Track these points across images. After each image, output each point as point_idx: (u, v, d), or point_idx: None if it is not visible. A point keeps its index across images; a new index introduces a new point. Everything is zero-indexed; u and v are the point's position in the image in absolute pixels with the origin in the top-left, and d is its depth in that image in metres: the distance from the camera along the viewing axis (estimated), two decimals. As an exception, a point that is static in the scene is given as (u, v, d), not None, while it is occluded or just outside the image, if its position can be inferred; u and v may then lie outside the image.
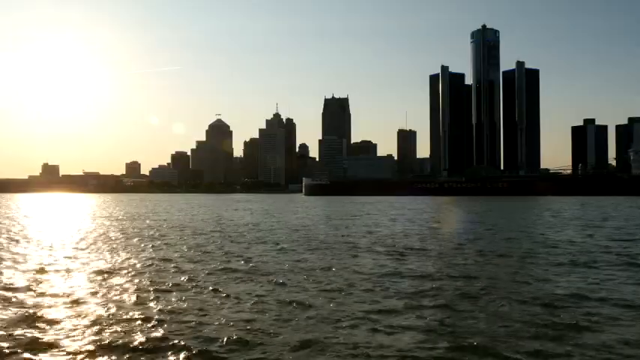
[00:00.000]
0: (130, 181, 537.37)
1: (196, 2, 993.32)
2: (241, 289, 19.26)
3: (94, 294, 18.34)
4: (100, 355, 11.94)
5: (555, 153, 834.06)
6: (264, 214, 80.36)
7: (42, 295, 18.19)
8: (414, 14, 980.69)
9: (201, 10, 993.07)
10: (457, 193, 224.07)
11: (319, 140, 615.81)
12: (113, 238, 40.23)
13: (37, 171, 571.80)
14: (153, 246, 33.99)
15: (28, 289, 19.26)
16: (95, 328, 13.94)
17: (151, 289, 19.21)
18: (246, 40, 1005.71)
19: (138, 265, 25.16)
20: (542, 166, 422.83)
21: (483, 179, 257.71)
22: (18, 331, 13.70)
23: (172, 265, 25.14)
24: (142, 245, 34.39)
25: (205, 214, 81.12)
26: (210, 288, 19.32)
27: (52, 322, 14.51)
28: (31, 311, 15.73)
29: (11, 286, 19.90)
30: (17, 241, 37.23)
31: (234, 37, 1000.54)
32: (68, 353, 12.06)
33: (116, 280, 21.04)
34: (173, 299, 17.52)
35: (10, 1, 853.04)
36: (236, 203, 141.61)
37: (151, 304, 16.68)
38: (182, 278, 21.48)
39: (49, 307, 16.34)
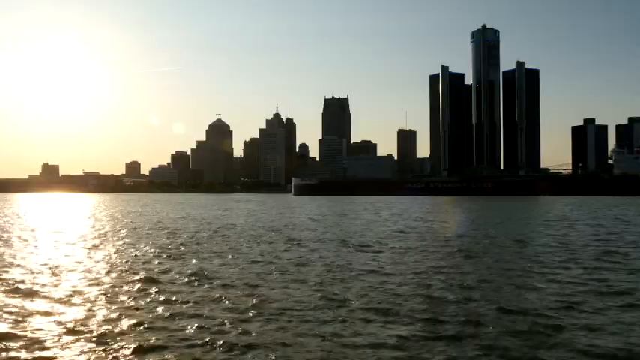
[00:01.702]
0: (130, 181, 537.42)
1: (196, 2, 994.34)
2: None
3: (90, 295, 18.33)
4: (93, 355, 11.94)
5: (555, 153, 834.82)
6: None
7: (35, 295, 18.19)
8: (414, 14, 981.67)
9: (201, 10, 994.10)
10: (442, 193, 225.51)
11: (319, 140, 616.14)
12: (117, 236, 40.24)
13: (37, 171, 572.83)
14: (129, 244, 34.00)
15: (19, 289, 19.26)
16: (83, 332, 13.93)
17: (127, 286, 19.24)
18: (246, 40, 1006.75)
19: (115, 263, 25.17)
20: (543, 166, 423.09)
21: (468, 179, 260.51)
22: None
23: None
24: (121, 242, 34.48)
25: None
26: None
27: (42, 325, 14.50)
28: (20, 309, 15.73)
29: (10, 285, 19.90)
30: (25, 240, 37.21)
31: (234, 37, 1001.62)
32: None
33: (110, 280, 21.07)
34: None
35: (10, 1, 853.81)
36: (233, 204, 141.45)
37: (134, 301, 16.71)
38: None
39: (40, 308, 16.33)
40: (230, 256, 28.42)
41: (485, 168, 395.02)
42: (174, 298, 17.65)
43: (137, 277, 21.68)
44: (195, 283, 20.40)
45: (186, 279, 21.33)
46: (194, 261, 26.75)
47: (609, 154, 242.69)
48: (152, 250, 31.84)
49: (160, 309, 16.14)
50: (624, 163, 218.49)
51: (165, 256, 28.90)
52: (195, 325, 14.31)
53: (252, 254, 29.46)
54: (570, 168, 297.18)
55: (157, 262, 26.64)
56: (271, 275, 22.14)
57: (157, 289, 19.13)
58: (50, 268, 24.37)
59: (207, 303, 17.00)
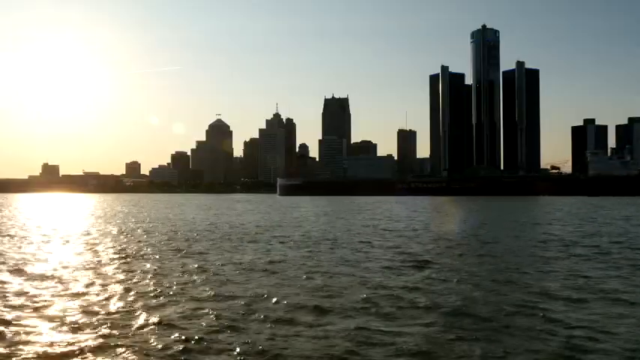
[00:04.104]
0: (130, 181, 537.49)
1: (196, 2, 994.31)
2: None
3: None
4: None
5: (555, 153, 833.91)
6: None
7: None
8: (414, 14, 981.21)
9: (201, 10, 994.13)
10: (424, 193, 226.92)
11: (319, 140, 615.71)
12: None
13: (37, 171, 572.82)
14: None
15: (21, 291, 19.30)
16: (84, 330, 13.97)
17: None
18: (246, 40, 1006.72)
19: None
20: (543, 166, 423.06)
21: (449, 180, 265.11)
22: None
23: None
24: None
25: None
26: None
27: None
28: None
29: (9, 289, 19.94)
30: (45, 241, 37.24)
31: (234, 37, 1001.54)
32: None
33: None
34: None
35: (10, 1, 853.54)
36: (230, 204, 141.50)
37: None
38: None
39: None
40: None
41: (484, 168, 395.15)
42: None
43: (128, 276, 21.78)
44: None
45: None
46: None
47: (586, 154, 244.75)
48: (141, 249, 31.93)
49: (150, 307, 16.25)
50: (598, 163, 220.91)
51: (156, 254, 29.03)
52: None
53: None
54: (548, 168, 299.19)
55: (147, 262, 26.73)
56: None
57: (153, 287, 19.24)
58: (52, 266, 24.44)
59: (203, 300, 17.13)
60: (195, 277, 21.41)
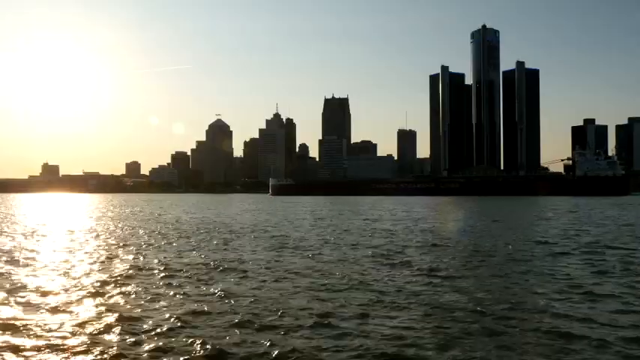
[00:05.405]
0: (130, 181, 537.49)
1: (197, 2, 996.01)
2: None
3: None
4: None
5: (555, 153, 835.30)
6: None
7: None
8: (414, 14, 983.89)
9: (201, 9, 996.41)
10: (412, 193, 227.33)
11: (319, 140, 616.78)
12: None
13: (37, 171, 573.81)
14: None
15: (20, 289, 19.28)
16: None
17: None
18: (246, 40, 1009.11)
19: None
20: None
21: (437, 180, 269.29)
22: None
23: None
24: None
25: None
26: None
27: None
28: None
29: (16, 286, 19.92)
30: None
31: (234, 37, 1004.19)
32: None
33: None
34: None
35: (10, 1, 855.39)
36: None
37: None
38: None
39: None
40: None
41: (484, 168, 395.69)
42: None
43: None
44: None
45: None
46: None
47: (572, 155, 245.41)
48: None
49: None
50: (585, 164, 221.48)
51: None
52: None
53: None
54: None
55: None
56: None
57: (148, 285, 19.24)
58: (55, 266, 24.46)
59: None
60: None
